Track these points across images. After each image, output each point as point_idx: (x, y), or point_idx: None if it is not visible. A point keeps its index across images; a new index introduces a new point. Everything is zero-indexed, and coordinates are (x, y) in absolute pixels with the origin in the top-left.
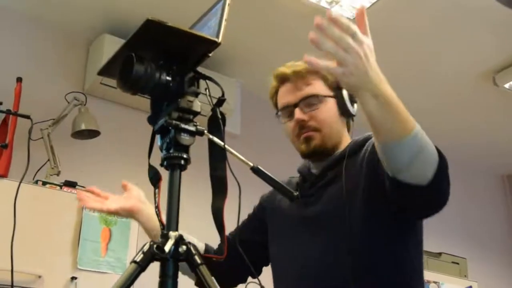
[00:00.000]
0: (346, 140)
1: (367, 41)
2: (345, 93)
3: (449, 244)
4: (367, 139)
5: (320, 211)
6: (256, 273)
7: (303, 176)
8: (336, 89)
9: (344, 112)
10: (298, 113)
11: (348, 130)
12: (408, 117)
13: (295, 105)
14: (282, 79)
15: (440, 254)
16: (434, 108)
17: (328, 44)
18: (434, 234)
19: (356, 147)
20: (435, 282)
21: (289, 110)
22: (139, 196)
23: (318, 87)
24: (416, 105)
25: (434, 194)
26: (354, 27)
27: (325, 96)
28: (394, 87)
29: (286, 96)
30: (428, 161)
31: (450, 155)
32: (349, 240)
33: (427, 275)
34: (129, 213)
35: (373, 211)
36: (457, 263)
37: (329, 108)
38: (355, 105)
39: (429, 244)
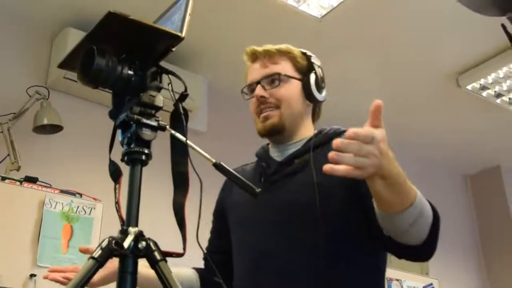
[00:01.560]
0: (308, 126)
1: (382, 134)
2: (312, 78)
3: None
4: (337, 132)
5: (287, 199)
6: None
7: (265, 162)
8: (305, 73)
9: (308, 96)
10: (258, 89)
11: (314, 117)
12: (410, 190)
13: (258, 82)
14: (253, 57)
15: None
16: (397, 107)
17: (347, 159)
18: None
19: (326, 138)
20: (397, 280)
21: (252, 87)
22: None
23: (285, 67)
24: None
25: (426, 251)
26: (372, 132)
27: (289, 77)
28: (359, 85)
29: (252, 73)
30: (424, 226)
31: (414, 155)
32: (317, 234)
33: (390, 272)
34: (112, 279)
35: (347, 215)
36: None
37: (291, 88)
38: (323, 91)
39: None
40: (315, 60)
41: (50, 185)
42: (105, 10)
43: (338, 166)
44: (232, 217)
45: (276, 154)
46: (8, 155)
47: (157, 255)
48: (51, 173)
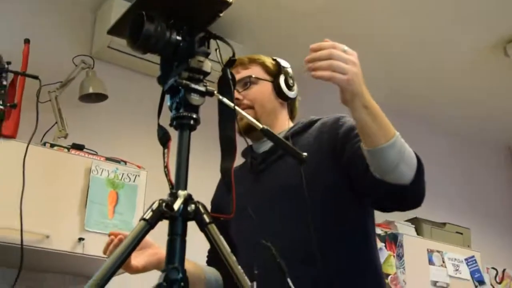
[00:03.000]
0: (284, 122)
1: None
2: (281, 78)
3: (454, 215)
4: (310, 123)
5: (278, 183)
6: None
7: (251, 156)
8: (275, 75)
9: (280, 94)
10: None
11: (291, 113)
12: (389, 124)
13: None
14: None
15: (444, 224)
16: (442, 77)
17: (323, 62)
18: (439, 204)
19: (304, 126)
20: (438, 251)
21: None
22: (151, 243)
23: (255, 71)
24: (425, 74)
25: (416, 192)
26: (342, 46)
27: (259, 79)
28: (400, 53)
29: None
30: (410, 161)
31: (456, 126)
32: (310, 211)
33: (431, 244)
34: (158, 265)
35: (334, 184)
36: (461, 233)
37: (262, 89)
38: (293, 89)
39: (434, 214)
40: (284, 63)
41: (96, 152)
42: None
43: (322, 71)
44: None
45: (258, 149)
46: (56, 123)
47: (206, 218)
48: (97, 140)
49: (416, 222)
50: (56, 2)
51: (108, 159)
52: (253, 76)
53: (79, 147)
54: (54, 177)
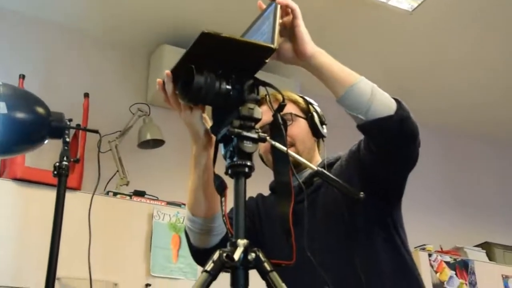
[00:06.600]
0: (317, 158)
1: None
2: (315, 116)
3: None
4: (338, 158)
5: (319, 217)
6: None
7: None
8: (307, 113)
9: (315, 132)
10: None
11: (319, 151)
12: (350, 70)
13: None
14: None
15: None
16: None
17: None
18: (510, 226)
19: (333, 159)
20: None
21: (265, 128)
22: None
23: (291, 108)
24: (479, 99)
25: (405, 116)
26: None
27: (298, 116)
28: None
29: (263, 115)
30: (385, 96)
31: None
32: (354, 237)
33: (506, 269)
34: (207, 135)
35: (371, 205)
36: None
37: (301, 127)
38: (325, 127)
39: (506, 237)
40: (312, 101)
41: (157, 197)
42: (198, 26)
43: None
44: (266, 233)
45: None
46: (118, 171)
47: (267, 266)
48: (157, 185)
49: (486, 247)
50: (111, 55)
51: (169, 203)
52: (294, 113)
53: (140, 194)
54: (119, 224)
